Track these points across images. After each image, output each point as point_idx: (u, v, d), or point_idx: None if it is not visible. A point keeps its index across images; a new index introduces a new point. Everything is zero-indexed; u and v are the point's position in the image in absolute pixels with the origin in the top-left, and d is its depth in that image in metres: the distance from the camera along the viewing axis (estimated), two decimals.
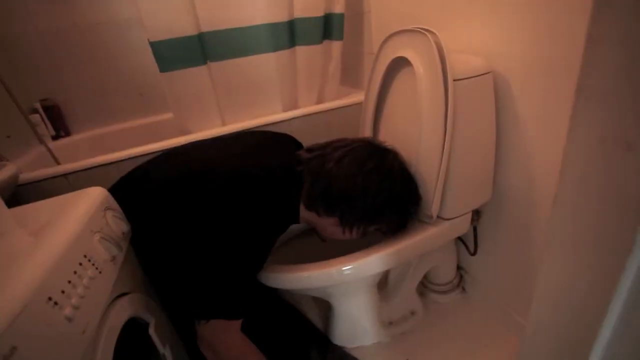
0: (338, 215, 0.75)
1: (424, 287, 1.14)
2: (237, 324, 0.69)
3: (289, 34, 1.22)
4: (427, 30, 0.74)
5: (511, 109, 0.80)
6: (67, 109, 1.59)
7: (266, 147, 0.83)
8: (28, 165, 1.23)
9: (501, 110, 0.82)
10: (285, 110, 1.30)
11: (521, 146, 0.81)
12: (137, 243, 0.72)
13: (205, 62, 1.16)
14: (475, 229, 0.98)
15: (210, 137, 1.03)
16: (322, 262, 0.80)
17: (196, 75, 1.15)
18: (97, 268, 0.52)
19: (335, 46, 1.33)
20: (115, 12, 1.50)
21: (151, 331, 0.66)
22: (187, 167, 0.76)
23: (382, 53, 0.88)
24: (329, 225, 0.77)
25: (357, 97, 1.34)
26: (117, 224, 0.65)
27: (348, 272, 0.79)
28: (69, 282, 0.44)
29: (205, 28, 1.10)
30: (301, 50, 1.26)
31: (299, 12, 1.20)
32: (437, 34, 0.73)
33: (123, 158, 1.08)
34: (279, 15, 1.17)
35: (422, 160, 0.80)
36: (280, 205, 0.73)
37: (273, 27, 1.18)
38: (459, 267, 1.14)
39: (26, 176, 1.02)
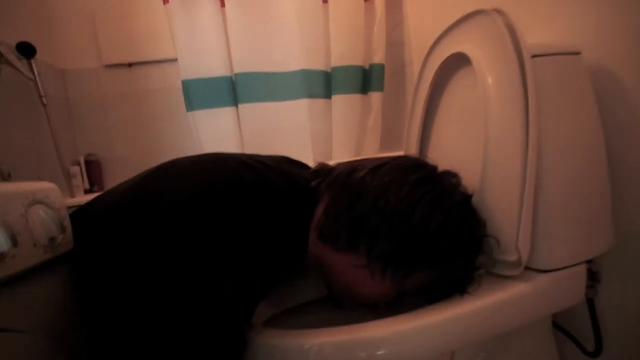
0: (365, 245, 0.49)
1: None
2: None
3: (325, 81, 1.15)
4: (492, 10, 0.56)
5: (622, 110, 0.55)
6: (108, 166, 1.60)
7: (266, 158, 0.59)
8: None
9: (607, 112, 0.57)
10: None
11: None
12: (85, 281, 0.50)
13: (234, 104, 1.10)
14: (591, 304, 0.61)
15: None
16: (338, 329, 0.50)
17: (223, 116, 1.08)
18: None
19: (376, 97, 1.23)
20: (167, 79, 1.60)
21: None
22: (143, 182, 0.54)
23: (429, 61, 0.72)
24: (350, 268, 0.50)
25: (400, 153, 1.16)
26: (45, 225, 0.46)
27: (381, 352, 0.48)
28: None
29: (238, 69, 1.07)
30: (338, 99, 1.17)
31: (337, 61, 1.15)
32: (505, 12, 0.55)
33: None
34: (315, 63, 1.13)
35: (491, 176, 0.55)
36: (284, 231, 0.50)
37: (308, 73, 1.12)
38: None
39: None
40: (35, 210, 0.46)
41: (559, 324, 0.69)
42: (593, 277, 0.59)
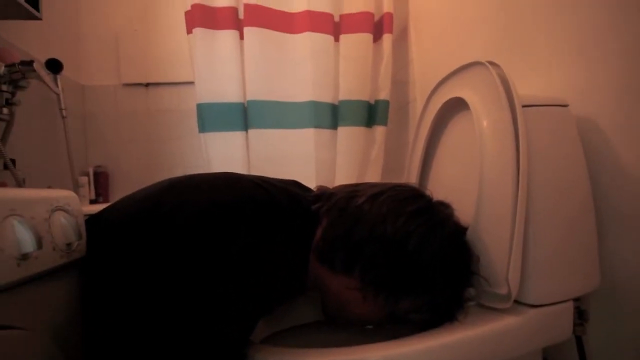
0: (359, 270, 0.52)
1: None
2: None
3: (332, 113, 1.22)
4: (487, 62, 0.62)
5: (609, 159, 0.60)
6: (115, 178, 1.64)
7: (275, 180, 0.63)
8: None
9: (595, 162, 0.62)
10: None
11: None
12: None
13: (244, 129, 1.15)
14: (579, 342, 0.63)
15: None
16: (332, 350, 0.52)
17: (232, 139, 1.13)
18: None
19: (379, 131, 1.29)
20: (181, 101, 1.67)
21: None
22: (159, 195, 0.55)
23: (431, 102, 0.78)
24: (344, 290, 0.53)
25: None
26: (64, 231, 0.49)
27: None
28: None
29: (250, 97, 1.13)
30: (343, 131, 1.23)
31: (344, 95, 1.22)
32: (499, 65, 0.61)
33: None
34: (324, 96, 1.20)
35: (485, 213, 0.58)
36: (288, 248, 0.53)
37: (316, 105, 1.18)
38: None
39: None
40: (57, 216, 0.49)
41: None
42: (581, 315, 0.61)
